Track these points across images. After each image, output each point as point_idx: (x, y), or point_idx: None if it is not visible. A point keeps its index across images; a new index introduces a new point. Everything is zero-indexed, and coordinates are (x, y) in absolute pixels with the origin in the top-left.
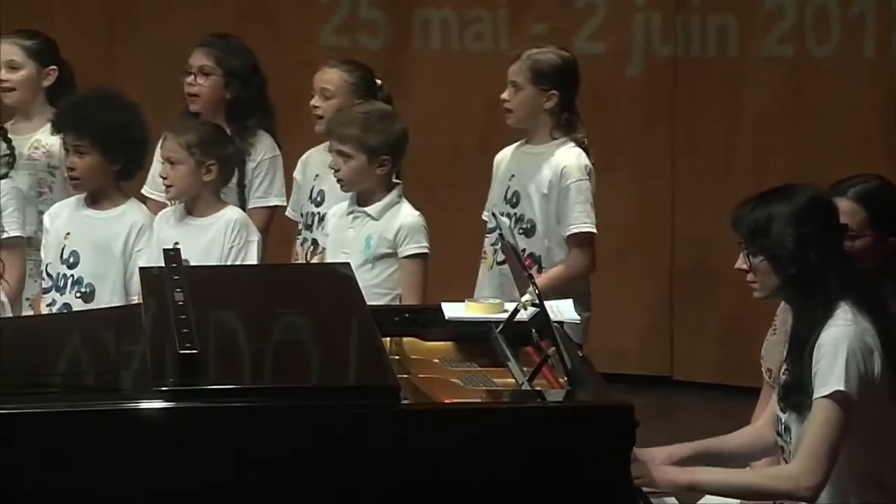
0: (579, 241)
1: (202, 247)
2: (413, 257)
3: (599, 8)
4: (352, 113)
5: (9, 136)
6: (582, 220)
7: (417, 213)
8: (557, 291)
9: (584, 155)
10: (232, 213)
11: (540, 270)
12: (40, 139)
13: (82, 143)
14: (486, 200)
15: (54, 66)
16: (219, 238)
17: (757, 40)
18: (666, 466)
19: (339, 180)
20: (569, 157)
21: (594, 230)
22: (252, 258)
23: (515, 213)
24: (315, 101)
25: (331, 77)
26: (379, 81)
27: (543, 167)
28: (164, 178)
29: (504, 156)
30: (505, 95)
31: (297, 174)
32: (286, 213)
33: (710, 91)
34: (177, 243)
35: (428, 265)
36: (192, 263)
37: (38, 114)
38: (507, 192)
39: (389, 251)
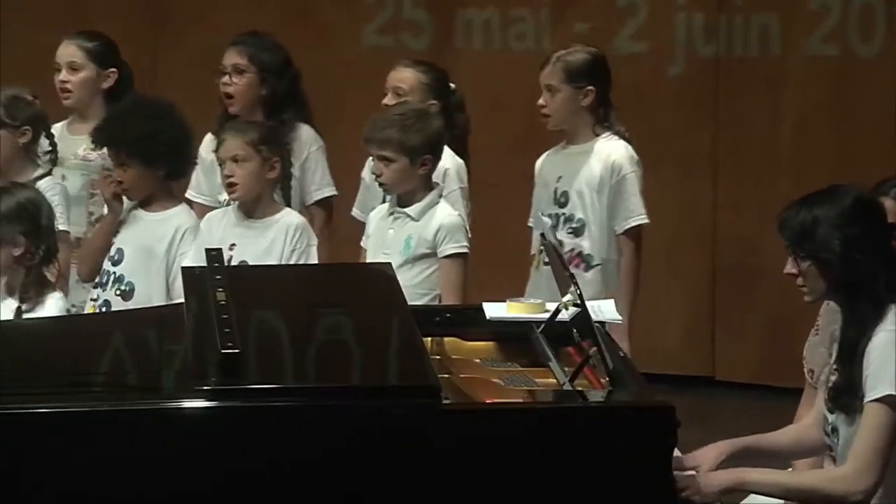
0: (636, 233)
1: (262, 249)
2: (452, 257)
3: (641, 7)
4: (388, 116)
5: (64, 134)
6: (638, 213)
7: (457, 212)
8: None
9: (630, 147)
10: (292, 216)
11: (588, 269)
12: None
13: (121, 157)
14: (531, 207)
15: (114, 69)
16: (279, 241)
17: (800, 39)
18: (711, 472)
19: (382, 185)
20: (617, 150)
21: (646, 220)
22: (313, 261)
23: (564, 214)
24: (387, 100)
25: (405, 76)
26: (453, 86)
27: (592, 163)
28: (230, 177)
29: (545, 161)
30: (541, 101)
31: (364, 174)
32: (353, 214)
33: (753, 91)
34: (233, 245)
35: (467, 265)
36: (251, 263)
37: (95, 115)
38: (555, 194)
39: (429, 251)
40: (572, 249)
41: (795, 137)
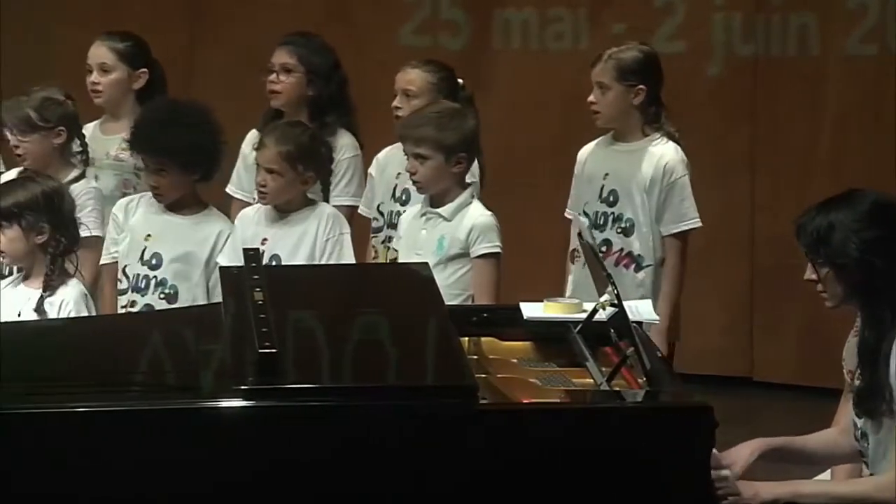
0: (685, 236)
1: (293, 241)
2: (485, 257)
3: (679, 7)
4: (424, 114)
5: (96, 134)
6: (691, 216)
7: (489, 212)
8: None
9: (680, 149)
10: (323, 207)
11: (639, 269)
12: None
13: (160, 163)
14: (568, 199)
15: (145, 69)
16: (311, 231)
17: (839, 39)
18: (764, 483)
19: (416, 182)
20: (669, 153)
21: (700, 223)
22: (348, 250)
23: (613, 213)
24: (397, 102)
25: (413, 77)
26: (460, 81)
27: (643, 164)
28: (263, 186)
29: (590, 153)
30: (592, 98)
31: (372, 170)
32: (359, 210)
33: (791, 91)
34: (265, 240)
35: (500, 265)
36: (283, 257)
37: (127, 115)
38: (601, 191)
39: (462, 251)
40: (622, 249)
41: (833, 137)
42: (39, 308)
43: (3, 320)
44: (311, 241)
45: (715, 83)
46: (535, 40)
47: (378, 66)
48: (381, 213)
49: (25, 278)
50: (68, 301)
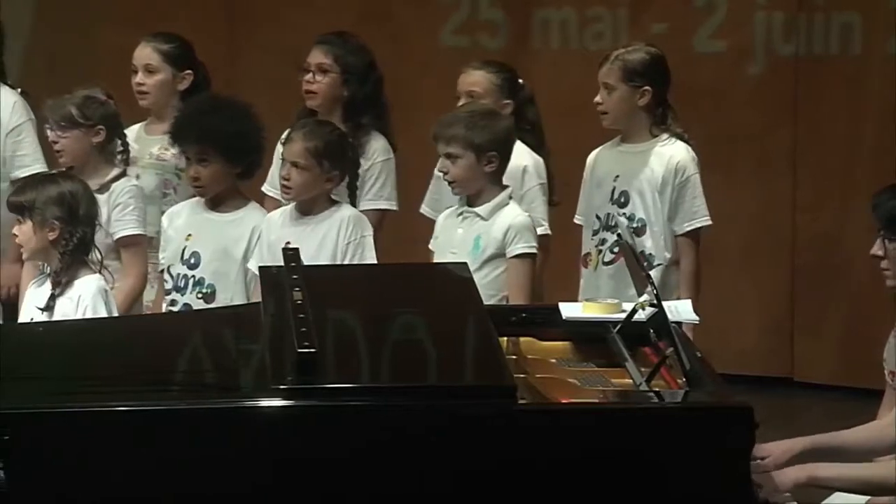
0: (697, 235)
1: (314, 245)
2: (521, 257)
3: (720, 6)
4: (456, 114)
5: (140, 135)
6: (702, 215)
7: (525, 213)
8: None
9: (690, 148)
10: (346, 209)
11: (650, 268)
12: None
13: (204, 154)
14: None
15: (190, 71)
16: (332, 234)
17: (881, 38)
18: (782, 470)
19: (449, 183)
20: (679, 152)
21: (710, 221)
22: (370, 252)
23: (624, 214)
24: (461, 104)
25: (477, 79)
26: (521, 81)
27: (652, 164)
28: (286, 180)
29: (598, 156)
30: (598, 98)
31: (438, 171)
32: (422, 210)
33: (833, 90)
34: (288, 242)
35: (536, 265)
36: (306, 260)
37: (171, 116)
38: (612, 193)
39: (498, 252)
40: (635, 247)
41: (876, 137)
42: (48, 306)
43: (37, 320)
44: (333, 243)
45: (756, 82)
46: (575, 40)
47: (417, 67)
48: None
49: (40, 272)
50: (85, 296)
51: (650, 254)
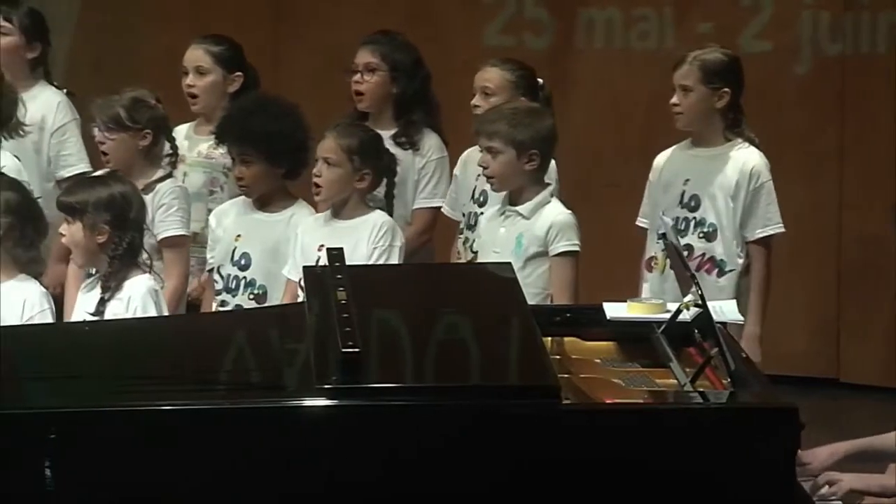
0: (769, 241)
1: (348, 247)
2: (564, 255)
3: (766, 5)
4: (499, 110)
5: (189, 134)
6: (776, 221)
7: (568, 211)
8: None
9: (763, 154)
10: (378, 216)
11: (721, 274)
12: None
13: (246, 153)
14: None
15: (240, 73)
16: (363, 239)
17: None
18: (850, 474)
19: (489, 178)
20: (753, 157)
21: (784, 228)
22: (396, 262)
23: (695, 217)
24: (476, 101)
25: (491, 76)
26: (540, 81)
27: (727, 169)
28: (317, 177)
29: (668, 159)
30: (674, 100)
31: (456, 171)
32: (442, 211)
33: (880, 89)
34: (321, 246)
35: (578, 263)
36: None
37: (220, 117)
38: (682, 197)
39: (540, 250)
40: (703, 254)
41: None
42: (97, 311)
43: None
44: (363, 248)
45: (802, 82)
46: (620, 40)
47: (463, 67)
48: (462, 214)
49: (89, 276)
50: (135, 297)
51: (721, 259)
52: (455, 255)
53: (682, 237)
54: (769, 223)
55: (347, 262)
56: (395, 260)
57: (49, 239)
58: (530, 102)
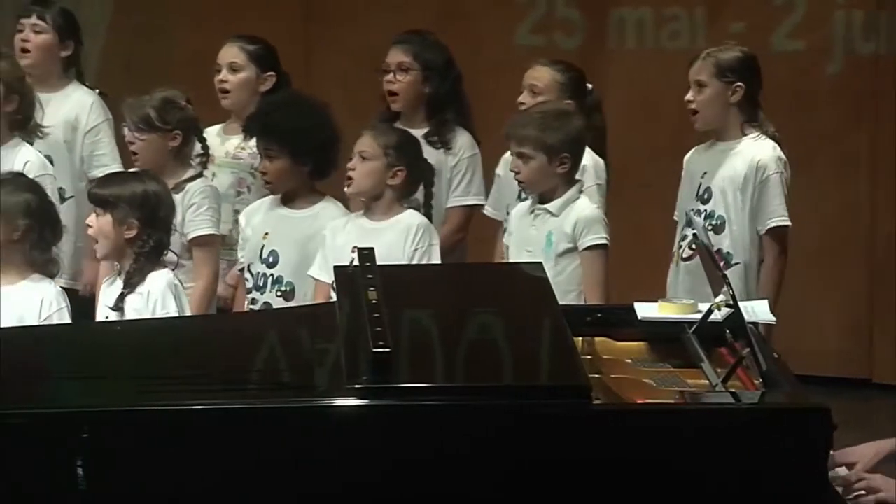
0: (779, 234)
1: (381, 249)
2: (592, 249)
3: (799, 5)
4: (529, 114)
5: (219, 134)
6: (780, 214)
7: (595, 206)
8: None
9: (778, 147)
10: (413, 217)
11: (728, 267)
12: (247, 140)
13: (270, 147)
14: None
15: (272, 72)
16: (399, 242)
17: None
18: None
19: (520, 182)
20: (763, 150)
21: (788, 222)
22: (435, 262)
23: (706, 210)
24: (522, 98)
25: (541, 74)
26: (589, 86)
27: (737, 162)
28: (351, 170)
29: (693, 155)
30: (689, 96)
31: (499, 171)
32: (484, 212)
33: None
34: (355, 247)
35: (608, 258)
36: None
37: None
38: (698, 190)
39: (570, 246)
40: (712, 247)
41: None
42: (117, 306)
43: (110, 319)
44: (400, 251)
45: (835, 82)
46: (651, 40)
47: (494, 66)
48: (507, 213)
49: (119, 272)
50: (154, 291)
51: (728, 252)
52: (500, 254)
53: (692, 230)
54: (773, 216)
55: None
56: (434, 260)
57: (81, 239)
58: (559, 104)
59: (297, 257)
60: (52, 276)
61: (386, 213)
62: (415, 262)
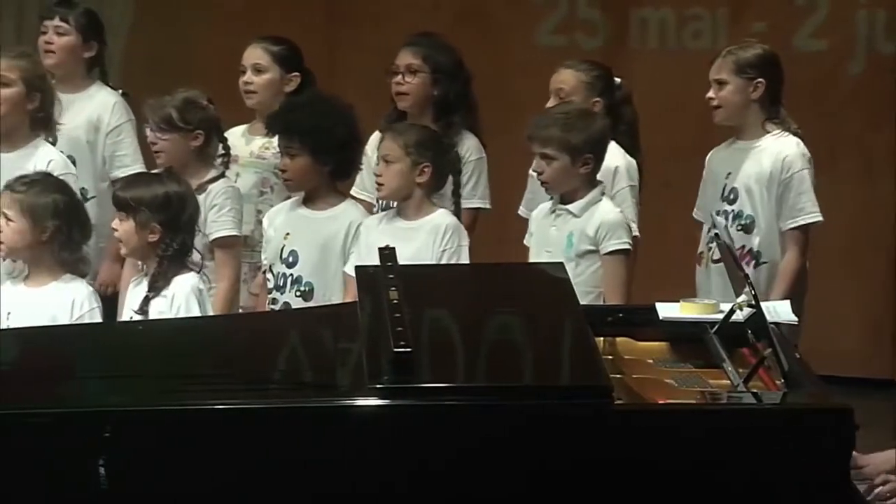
0: (803, 232)
1: (411, 250)
2: (615, 254)
3: (821, 4)
4: (551, 115)
5: (244, 134)
6: (809, 210)
7: (619, 209)
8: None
9: (802, 144)
10: (443, 216)
11: (758, 266)
12: (272, 140)
13: (291, 145)
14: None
15: (297, 73)
16: (429, 242)
17: None
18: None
19: (543, 183)
20: (789, 147)
21: (821, 218)
22: (465, 262)
23: (733, 210)
24: (550, 103)
25: (566, 77)
26: (618, 80)
27: (762, 160)
28: (378, 176)
29: (715, 155)
30: (710, 94)
31: (532, 171)
32: (519, 212)
33: None
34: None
35: (630, 262)
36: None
37: None
38: (724, 190)
39: (591, 248)
40: (743, 246)
41: None
42: (142, 309)
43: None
44: (429, 250)
45: (857, 82)
46: (673, 40)
47: (516, 67)
48: None
49: (145, 275)
50: (178, 295)
51: (758, 251)
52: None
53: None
54: (800, 213)
55: (412, 262)
56: (463, 260)
57: (105, 239)
58: (580, 104)
59: (317, 258)
60: (83, 275)
61: (417, 213)
62: (443, 262)
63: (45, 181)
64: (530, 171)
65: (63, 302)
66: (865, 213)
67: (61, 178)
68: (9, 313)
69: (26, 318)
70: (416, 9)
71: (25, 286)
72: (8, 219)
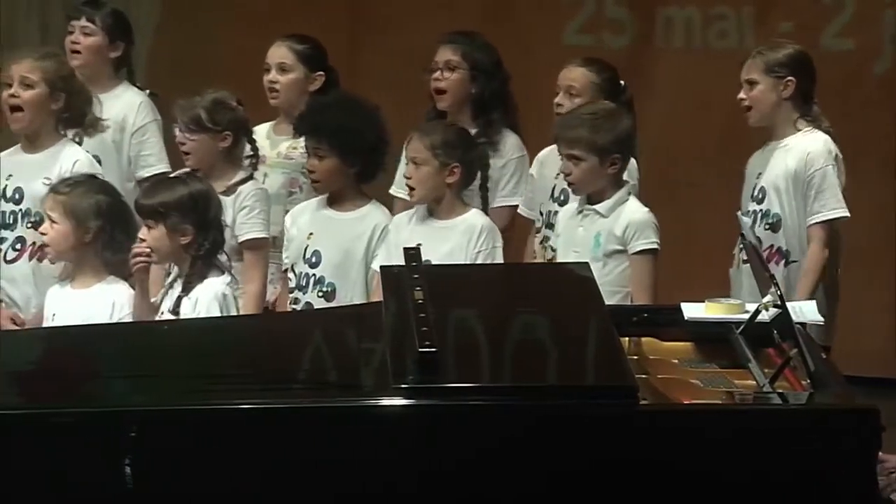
0: (826, 228)
1: (445, 250)
2: (642, 253)
3: (848, 4)
4: (578, 115)
5: (269, 134)
6: (831, 206)
7: (646, 209)
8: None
9: (830, 140)
10: (476, 217)
11: (787, 265)
12: (299, 140)
13: (320, 146)
14: (731, 206)
15: (321, 72)
16: (462, 242)
17: None
18: None
19: (570, 184)
20: (814, 143)
21: (847, 213)
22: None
23: (761, 210)
24: (559, 99)
25: (576, 75)
26: (622, 83)
27: (788, 158)
28: (408, 179)
29: (752, 158)
30: (741, 95)
31: (532, 170)
32: (519, 211)
33: None
34: (419, 245)
35: (658, 262)
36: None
37: None
38: (754, 190)
39: (619, 248)
40: (771, 245)
41: None
42: (175, 309)
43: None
44: (463, 252)
45: (884, 81)
46: (699, 39)
47: (542, 66)
48: (541, 213)
49: (176, 277)
50: (202, 299)
51: (786, 250)
52: (531, 254)
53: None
54: (823, 209)
55: (444, 263)
56: (497, 261)
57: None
58: (608, 103)
59: (340, 258)
60: (125, 276)
61: (449, 212)
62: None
63: (88, 182)
64: (530, 171)
65: (104, 304)
66: (890, 213)
67: None
68: (54, 314)
69: (70, 319)
70: (440, 9)
71: (71, 288)
72: (52, 221)
